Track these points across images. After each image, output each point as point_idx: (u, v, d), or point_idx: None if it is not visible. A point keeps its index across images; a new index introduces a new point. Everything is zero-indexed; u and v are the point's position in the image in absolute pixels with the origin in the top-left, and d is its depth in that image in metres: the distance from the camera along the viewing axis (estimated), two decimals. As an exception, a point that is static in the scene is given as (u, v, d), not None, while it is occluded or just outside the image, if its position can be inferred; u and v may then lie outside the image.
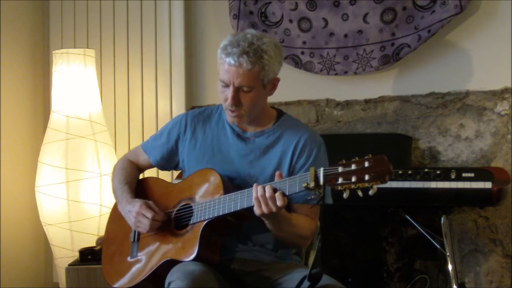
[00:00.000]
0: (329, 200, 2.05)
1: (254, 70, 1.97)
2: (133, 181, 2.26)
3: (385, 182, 1.67)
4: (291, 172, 2.04)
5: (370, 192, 1.69)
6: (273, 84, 2.07)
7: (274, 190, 1.84)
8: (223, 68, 2.01)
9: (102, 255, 2.27)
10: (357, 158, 1.72)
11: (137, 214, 2.07)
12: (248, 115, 2.05)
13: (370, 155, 1.70)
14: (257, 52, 1.96)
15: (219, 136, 2.14)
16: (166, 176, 2.95)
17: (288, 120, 2.16)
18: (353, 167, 1.71)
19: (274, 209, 1.83)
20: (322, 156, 2.08)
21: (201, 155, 2.13)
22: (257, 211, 1.85)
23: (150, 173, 2.43)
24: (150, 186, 2.26)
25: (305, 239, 2.08)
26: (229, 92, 2.00)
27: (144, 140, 2.37)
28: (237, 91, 2.00)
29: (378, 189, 1.71)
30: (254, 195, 1.85)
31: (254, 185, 1.87)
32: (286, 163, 2.06)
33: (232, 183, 2.04)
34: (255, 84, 2.00)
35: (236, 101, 2.00)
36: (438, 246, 2.81)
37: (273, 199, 1.83)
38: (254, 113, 2.06)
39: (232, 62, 1.96)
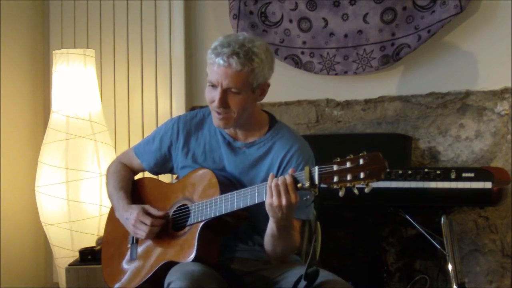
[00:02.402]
0: (308, 214, 2.02)
1: (244, 72, 1.92)
2: (128, 185, 2.24)
3: (381, 179, 1.66)
4: None
5: (366, 190, 1.67)
6: (263, 89, 2.02)
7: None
8: (211, 69, 1.96)
9: (102, 256, 2.27)
10: (351, 156, 1.70)
11: (135, 222, 2.05)
12: (235, 120, 1.99)
13: (365, 152, 1.69)
14: (247, 54, 1.92)
15: (212, 143, 2.11)
16: (166, 176, 2.94)
17: (280, 130, 2.09)
18: (348, 165, 1.69)
19: (284, 201, 1.78)
20: None
21: (194, 163, 2.11)
22: (268, 200, 1.81)
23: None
24: (146, 186, 2.25)
25: (293, 253, 2.05)
26: (217, 94, 1.95)
27: (135, 144, 2.33)
28: (225, 92, 1.95)
29: (379, 189, 1.71)
30: (268, 183, 1.81)
31: (271, 174, 1.84)
32: None
33: (229, 182, 2.03)
34: (244, 87, 1.95)
35: (223, 103, 1.95)
36: (438, 246, 2.81)
37: (288, 186, 1.78)
38: (242, 118, 2.01)
39: (221, 62, 1.92)
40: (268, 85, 2.04)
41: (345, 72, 3.23)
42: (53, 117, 3.23)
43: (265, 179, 1.96)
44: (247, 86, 1.96)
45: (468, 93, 3.12)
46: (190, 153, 2.13)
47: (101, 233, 3.03)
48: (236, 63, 1.91)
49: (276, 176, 1.92)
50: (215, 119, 2.02)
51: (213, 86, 1.97)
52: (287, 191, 1.79)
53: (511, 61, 3.02)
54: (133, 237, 2.15)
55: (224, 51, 1.92)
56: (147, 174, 2.39)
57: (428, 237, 2.82)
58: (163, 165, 2.21)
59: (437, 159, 3.16)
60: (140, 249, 2.12)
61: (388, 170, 1.68)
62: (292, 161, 2.02)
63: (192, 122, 2.16)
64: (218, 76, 1.94)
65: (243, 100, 1.97)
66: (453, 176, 2.63)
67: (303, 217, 2.01)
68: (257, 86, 1.98)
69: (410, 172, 2.68)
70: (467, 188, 2.60)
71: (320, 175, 1.73)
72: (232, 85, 1.94)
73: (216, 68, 1.94)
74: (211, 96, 1.98)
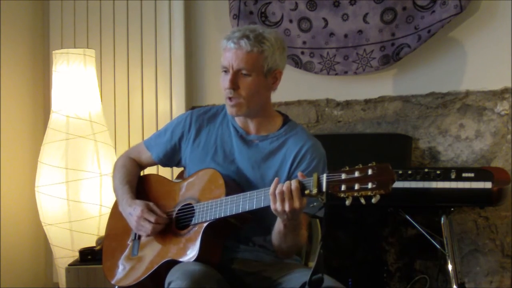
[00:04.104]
0: (321, 213, 2.02)
1: (253, 54, 1.97)
2: (134, 180, 2.24)
3: (389, 191, 1.64)
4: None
5: (373, 200, 1.66)
6: (275, 77, 2.05)
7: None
8: (224, 55, 2.02)
9: (103, 251, 2.26)
10: (360, 165, 1.69)
11: (139, 218, 2.06)
12: (247, 105, 2.02)
13: (374, 163, 1.67)
14: (257, 37, 1.98)
15: (223, 136, 2.13)
16: (167, 174, 2.94)
17: (295, 127, 2.12)
18: (357, 174, 1.68)
19: (287, 207, 1.79)
20: (321, 168, 2.03)
21: (204, 155, 2.12)
22: (272, 205, 1.82)
23: (150, 169, 2.41)
24: (152, 183, 2.25)
25: (300, 250, 2.08)
26: (228, 76, 2.00)
27: (146, 138, 2.35)
28: (236, 74, 1.99)
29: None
30: (271, 190, 1.82)
31: (276, 179, 1.84)
32: (285, 171, 2.03)
33: (235, 184, 2.03)
34: (254, 69, 1.99)
35: (234, 84, 1.99)
36: (438, 246, 2.81)
37: (293, 192, 1.78)
38: (254, 105, 2.03)
39: (232, 45, 1.98)
40: (281, 73, 2.07)
41: (345, 72, 3.24)
42: (53, 117, 3.23)
43: (277, 174, 2.00)
44: (258, 69, 2.00)
45: (468, 93, 3.12)
46: (201, 145, 2.14)
47: (101, 233, 3.04)
48: (246, 44, 1.97)
49: (288, 172, 1.99)
50: (228, 107, 2.05)
51: (226, 71, 2.02)
52: (291, 198, 1.79)
53: (511, 61, 3.02)
54: (135, 233, 2.15)
55: (235, 35, 1.99)
56: (148, 170, 2.39)
57: (428, 237, 2.83)
58: (172, 156, 2.22)
59: (437, 159, 3.16)
60: (141, 245, 2.12)
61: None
62: (306, 158, 2.03)
63: (205, 116, 2.18)
64: (229, 59, 2.00)
65: (253, 83, 2.00)
66: (453, 176, 2.63)
67: (308, 211, 2.00)
68: (268, 71, 2.02)
69: (410, 172, 2.68)
70: (467, 188, 2.61)
71: (328, 182, 1.72)
72: (242, 66, 1.98)
73: (228, 52, 2.00)
74: (224, 83, 2.02)
